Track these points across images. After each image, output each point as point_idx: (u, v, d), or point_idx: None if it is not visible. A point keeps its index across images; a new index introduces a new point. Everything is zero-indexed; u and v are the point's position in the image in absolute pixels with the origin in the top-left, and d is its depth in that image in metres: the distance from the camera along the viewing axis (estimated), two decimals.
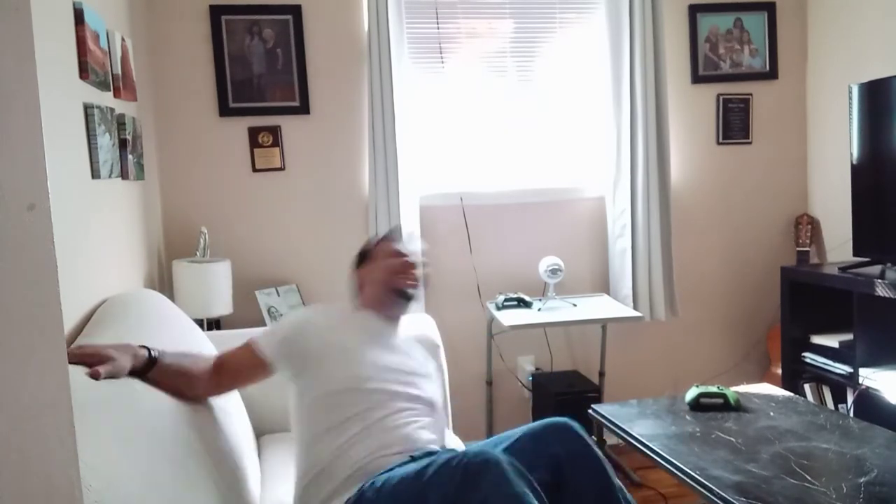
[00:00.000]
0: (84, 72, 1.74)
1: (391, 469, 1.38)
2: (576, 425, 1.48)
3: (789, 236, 3.31)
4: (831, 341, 2.77)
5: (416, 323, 2.28)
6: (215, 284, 2.46)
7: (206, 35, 2.78)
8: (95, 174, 1.80)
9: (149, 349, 1.39)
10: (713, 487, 1.54)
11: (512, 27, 3.05)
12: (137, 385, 1.33)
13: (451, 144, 3.03)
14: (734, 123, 3.23)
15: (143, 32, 2.63)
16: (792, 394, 2.23)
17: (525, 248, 3.08)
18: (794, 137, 3.31)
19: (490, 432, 3.01)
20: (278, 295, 2.76)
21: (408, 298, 1.69)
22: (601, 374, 3.06)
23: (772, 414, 1.99)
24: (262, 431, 2.12)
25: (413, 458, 1.42)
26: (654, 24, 2.97)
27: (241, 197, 2.86)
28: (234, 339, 2.21)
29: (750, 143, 3.26)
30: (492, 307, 2.82)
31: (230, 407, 1.76)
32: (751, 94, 3.23)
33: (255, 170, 2.86)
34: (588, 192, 3.16)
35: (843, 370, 2.67)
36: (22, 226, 0.59)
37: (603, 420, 2.05)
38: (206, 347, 1.90)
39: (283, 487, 1.73)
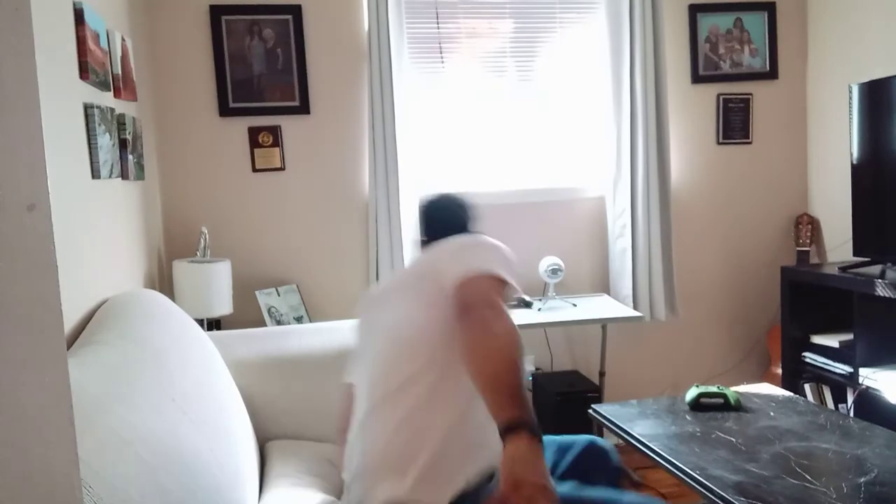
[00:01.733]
0: (84, 72, 1.74)
1: None
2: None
3: (789, 236, 3.31)
4: (831, 341, 2.77)
5: None
6: (215, 284, 2.46)
7: (206, 35, 2.78)
8: (95, 174, 1.80)
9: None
10: (713, 487, 1.54)
11: (512, 27, 3.05)
12: (138, 384, 1.33)
13: (451, 144, 3.03)
14: (734, 123, 3.23)
15: (143, 32, 2.63)
16: (792, 394, 2.23)
17: (525, 248, 3.08)
18: (794, 137, 3.31)
19: None
20: (278, 295, 2.76)
21: None
22: (601, 374, 3.06)
23: (772, 414, 1.99)
24: (266, 438, 2.09)
25: None
26: (654, 24, 2.97)
27: (241, 197, 2.86)
28: (234, 339, 2.22)
29: (750, 143, 3.26)
30: None
31: (232, 410, 1.76)
32: (751, 94, 3.23)
33: (255, 170, 2.86)
34: (588, 192, 3.16)
35: (843, 370, 2.67)
36: (22, 226, 0.59)
37: (603, 420, 2.05)
38: (206, 347, 1.90)
39: (285, 490, 1.73)
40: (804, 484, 1.53)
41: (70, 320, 1.52)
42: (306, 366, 2.16)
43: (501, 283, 1.30)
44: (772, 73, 3.23)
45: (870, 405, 2.51)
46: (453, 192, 1.68)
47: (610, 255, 3.12)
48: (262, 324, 2.65)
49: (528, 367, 3.09)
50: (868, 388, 2.52)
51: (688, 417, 1.99)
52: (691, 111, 3.20)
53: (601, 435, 2.14)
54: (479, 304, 1.20)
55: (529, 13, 3.04)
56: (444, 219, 1.62)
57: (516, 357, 1.14)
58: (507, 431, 1.06)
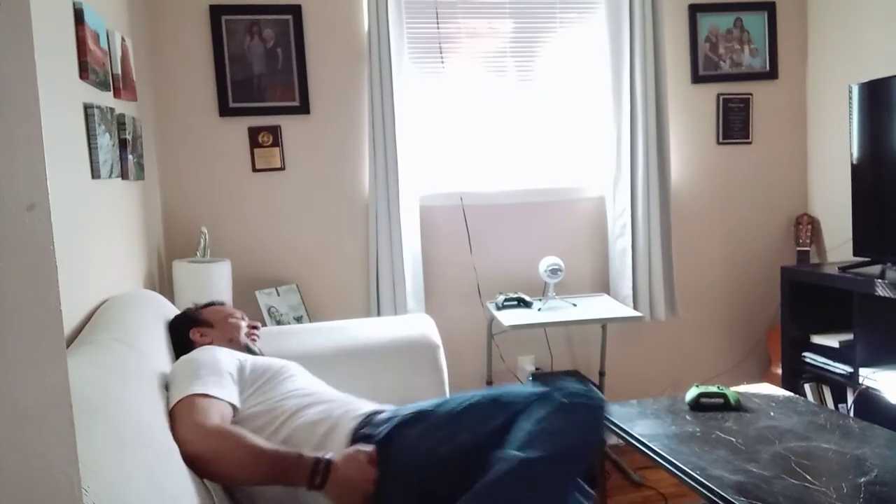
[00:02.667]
0: (84, 72, 1.74)
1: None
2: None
3: (789, 236, 3.31)
4: (831, 341, 2.77)
5: (415, 323, 2.28)
6: (215, 284, 2.45)
7: (206, 35, 2.77)
8: (95, 174, 1.80)
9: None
10: (713, 487, 1.54)
11: (512, 27, 3.05)
12: (137, 384, 1.33)
13: (451, 144, 3.03)
14: (734, 123, 3.23)
15: (143, 32, 2.63)
16: (792, 394, 2.22)
17: (525, 248, 3.08)
18: (794, 137, 3.31)
19: None
20: (278, 295, 2.76)
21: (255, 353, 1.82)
22: (601, 374, 3.06)
23: (772, 414, 1.99)
24: None
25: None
26: (654, 24, 2.97)
27: (241, 197, 2.86)
28: None
29: (750, 143, 3.26)
30: (492, 307, 2.82)
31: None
32: (751, 94, 3.23)
33: (255, 170, 2.86)
34: (588, 192, 3.16)
35: (843, 370, 2.67)
36: (22, 226, 0.59)
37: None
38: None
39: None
40: (804, 484, 1.53)
41: (70, 320, 1.52)
42: (306, 365, 2.16)
43: (193, 399, 1.41)
44: (772, 73, 3.23)
45: (870, 405, 2.51)
46: (184, 311, 1.91)
47: (610, 255, 3.12)
48: (263, 323, 2.65)
49: (528, 367, 3.09)
50: (868, 388, 2.52)
51: (688, 417, 1.99)
52: (691, 111, 3.20)
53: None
54: (180, 443, 1.30)
55: (529, 13, 3.04)
56: (175, 341, 1.78)
57: (237, 454, 1.32)
58: (309, 489, 1.32)
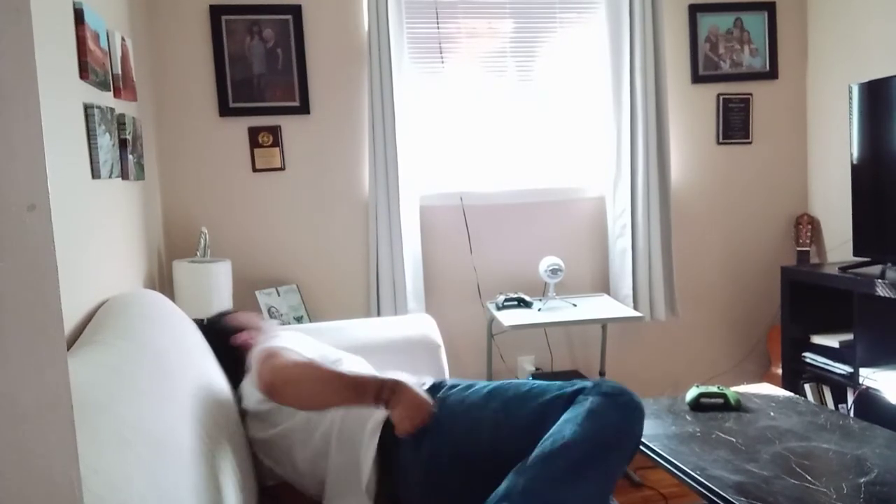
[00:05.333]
0: (84, 72, 1.74)
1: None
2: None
3: (789, 236, 3.31)
4: (831, 341, 2.77)
5: (415, 323, 2.28)
6: (215, 284, 2.45)
7: (206, 35, 2.78)
8: (95, 174, 1.80)
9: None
10: (713, 487, 1.54)
11: (512, 27, 3.05)
12: (138, 384, 1.32)
13: (451, 144, 3.03)
14: (734, 123, 3.23)
15: (143, 32, 2.63)
16: (792, 394, 2.22)
17: (525, 248, 3.08)
18: (794, 137, 3.31)
19: None
20: (278, 295, 2.76)
21: None
22: (601, 374, 3.06)
23: (772, 414, 1.99)
24: None
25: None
26: (654, 24, 2.97)
27: (241, 197, 2.86)
28: None
29: (750, 143, 3.26)
30: (492, 307, 2.82)
31: (231, 410, 1.76)
32: (751, 94, 3.23)
33: (255, 170, 2.86)
34: (588, 192, 3.16)
35: (843, 370, 2.67)
36: (22, 226, 0.59)
37: None
38: (206, 348, 1.90)
39: None
40: (804, 484, 1.53)
41: (70, 320, 1.52)
42: None
43: (268, 349, 1.61)
44: (772, 73, 3.23)
45: (870, 405, 2.51)
46: (213, 317, 2.01)
47: (610, 255, 3.12)
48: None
49: (528, 367, 3.09)
50: (868, 388, 2.52)
51: (688, 417, 1.99)
52: (691, 111, 3.20)
53: None
54: (266, 377, 1.53)
55: (529, 13, 3.04)
56: (217, 347, 1.87)
57: (321, 375, 1.52)
58: (376, 404, 1.49)
